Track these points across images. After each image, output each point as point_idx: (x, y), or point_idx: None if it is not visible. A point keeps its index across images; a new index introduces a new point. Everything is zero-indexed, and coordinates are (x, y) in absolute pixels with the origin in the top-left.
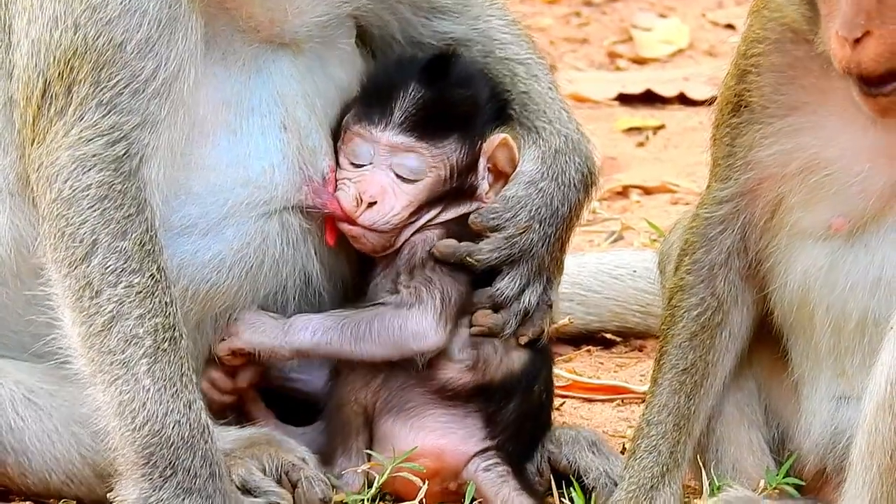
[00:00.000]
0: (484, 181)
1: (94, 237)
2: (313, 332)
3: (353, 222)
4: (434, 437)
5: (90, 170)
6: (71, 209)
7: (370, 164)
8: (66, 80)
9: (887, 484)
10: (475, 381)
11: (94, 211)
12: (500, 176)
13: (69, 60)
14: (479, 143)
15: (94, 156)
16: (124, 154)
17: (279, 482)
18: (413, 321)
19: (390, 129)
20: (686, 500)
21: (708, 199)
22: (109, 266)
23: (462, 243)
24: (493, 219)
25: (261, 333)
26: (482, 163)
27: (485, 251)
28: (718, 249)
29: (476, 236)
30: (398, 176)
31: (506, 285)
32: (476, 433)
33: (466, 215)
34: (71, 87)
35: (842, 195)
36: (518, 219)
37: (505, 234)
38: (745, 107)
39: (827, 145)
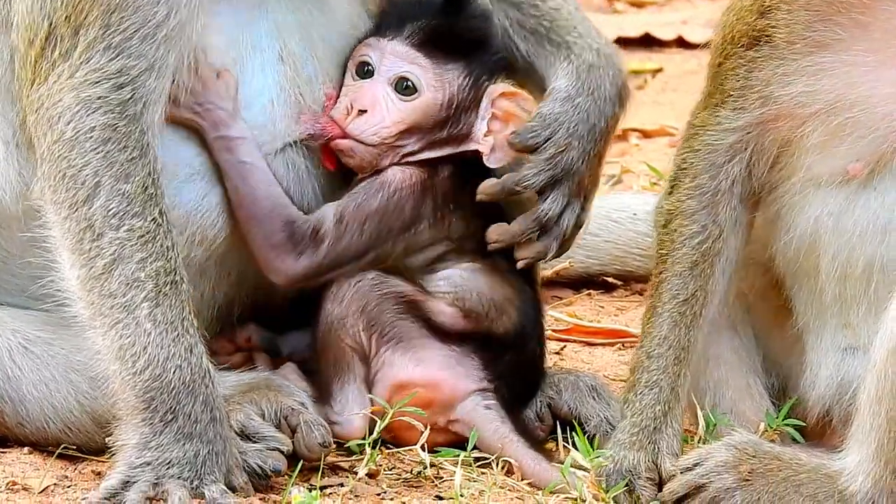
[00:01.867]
0: (483, 122)
1: (96, 179)
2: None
3: (342, 134)
4: (433, 368)
5: (95, 111)
6: (73, 151)
7: (371, 78)
8: (74, 22)
9: (894, 430)
10: (472, 328)
11: (98, 153)
12: (507, 121)
13: (78, 3)
14: (485, 83)
15: (99, 98)
16: (130, 98)
17: (278, 427)
18: (290, 258)
19: (398, 40)
20: (683, 440)
21: (713, 125)
22: (112, 209)
23: (505, 175)
24: (532, 137)
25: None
26: (484, 104)
27: (530, 177)
28: (724, 177)
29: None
30: (395, 91)
31: (548, 206)
32: (474, 374)
33: (454, 156)
34: (78, 29)
35: (864, 139)
36: (557, 137)
37: (546, 156)
38: (767, 42)
39: (855, 86)
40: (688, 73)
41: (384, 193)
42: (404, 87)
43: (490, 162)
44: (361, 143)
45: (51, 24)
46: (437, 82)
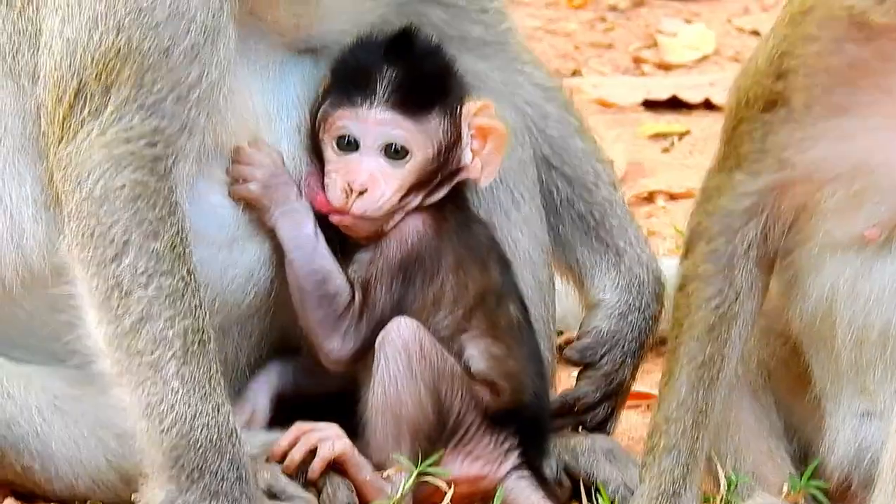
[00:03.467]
0: (467, 149)
1: (126, 237)
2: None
3: (343, 213)
4: (478, 465)
5: (125, 169)
6: (102, 208)
7: (357, 151)
8: (105, 81)
9: None
10: (502, 404)
11: (127, 211)
12: (485, 136)
13: (109, 62)
14: (459, 109)
15: (130, 154)
16: (161, 155)
17: (305, 486)
18: (337, 337)
19: (376, 106)
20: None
21: (728, 188)
22: (140, 267)
23: (565, 392)
24: (590, 355)
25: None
26: (465, 130)
27: (589, 395)
28: (740, 240)
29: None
30: (387, 159)
31: (595, 418)
32: (509, 455)
33: (452, 196)
34: (109, 88)
35: (883, 204)
36: (613, 354)
37: (603, 372)
38: (783, 105)
39: (876, 151)
40: (715, 135)
41: (402, 248)
42: (394, 152)
43: (484, 182)
44: (366, 219)
45: (80, 82)
46: (424, 138)
